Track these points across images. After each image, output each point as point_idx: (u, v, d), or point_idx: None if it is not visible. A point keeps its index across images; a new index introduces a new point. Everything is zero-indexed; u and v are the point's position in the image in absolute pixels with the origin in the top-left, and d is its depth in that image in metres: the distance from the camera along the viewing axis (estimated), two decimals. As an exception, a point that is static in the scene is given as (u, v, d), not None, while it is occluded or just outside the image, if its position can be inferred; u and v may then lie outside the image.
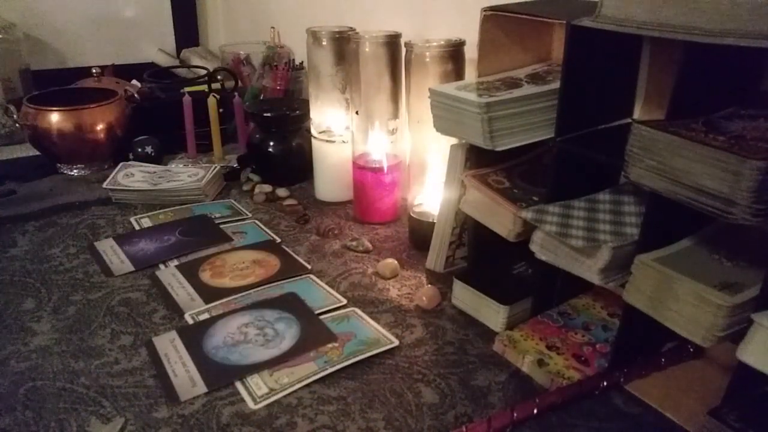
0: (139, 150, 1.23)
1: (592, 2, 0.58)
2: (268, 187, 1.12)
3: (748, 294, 0.52)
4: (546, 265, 0.66)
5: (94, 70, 1.45)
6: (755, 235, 0.59)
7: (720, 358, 0.65)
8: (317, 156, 1.10)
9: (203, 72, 1.52)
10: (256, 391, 0.62)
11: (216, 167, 1.17)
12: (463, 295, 0.77)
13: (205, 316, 0.75)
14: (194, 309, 0.77)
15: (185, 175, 1.14)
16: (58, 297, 0.80)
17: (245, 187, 1.15)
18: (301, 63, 1.40)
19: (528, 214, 0.66)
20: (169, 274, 0.85)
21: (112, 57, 1.75)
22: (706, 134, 0.51)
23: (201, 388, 0.63)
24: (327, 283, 0.83)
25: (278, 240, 0.95)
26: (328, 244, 0.95)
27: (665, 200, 0.52)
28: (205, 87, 1.36)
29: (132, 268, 0.87)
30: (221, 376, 0.65)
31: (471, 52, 0.83)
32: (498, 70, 0.79)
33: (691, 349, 0.66)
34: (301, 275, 0.85)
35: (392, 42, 0.92)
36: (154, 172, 1.16)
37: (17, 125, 1.23)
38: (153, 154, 1.23)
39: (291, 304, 0.77)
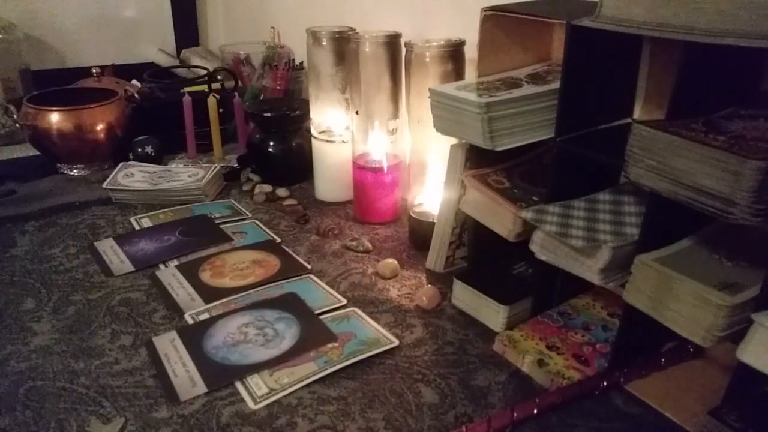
0: (139, 150, 1.23)
1: (592, 2, 0.58)
2: (268, 187, 1.12)
3: (748, 294, 0.52)
4: (546, 265, 0.66)
5: (94, 70, 1.45)
6: (755, 235, 0.59)
7: (720, 358, 0.65)
8: (317, 156, 1.10)
9: (203, 72, 1.52)
10: (256, 391, 0.62)
11: (216, 167, 1.17)
12: (463, 295, 0.77)
13: (205, 316, 0.75)
14: (194, 309, 0.77)
15: (185, 175, 1.14)
16: (58, 297, 0.80)
17: (245, 187, 1.15)
18: (301, 63, 1.40)
19: (528, 214, 0.66)
20: (169, 274, 0.85)
21: (112, 57, 1.75)
22: (706, 134, 0.51)
23: (201, 388, 0.63)
24: (327, 283, 0.83)
25: (278, 240, 0.95)
26: (328, 244, 0.95)
27: (665, 200, 0.52)
28: (205, 87, 1.36)
29: (132, 268, 0.87)
30: (221, 376, 0.65)
31: (471, 52, 0.83)
32: (498, 70, 0.79)
33: (691, 349, 0.66)
34: (301, 275, 0.85)
35: (392, 42, 0.92)
36: (154, 172, 1.16)
37: (17, 125, 1.23)
38: (153, 154, 1.23)
39: (291, 304, 0.77)
